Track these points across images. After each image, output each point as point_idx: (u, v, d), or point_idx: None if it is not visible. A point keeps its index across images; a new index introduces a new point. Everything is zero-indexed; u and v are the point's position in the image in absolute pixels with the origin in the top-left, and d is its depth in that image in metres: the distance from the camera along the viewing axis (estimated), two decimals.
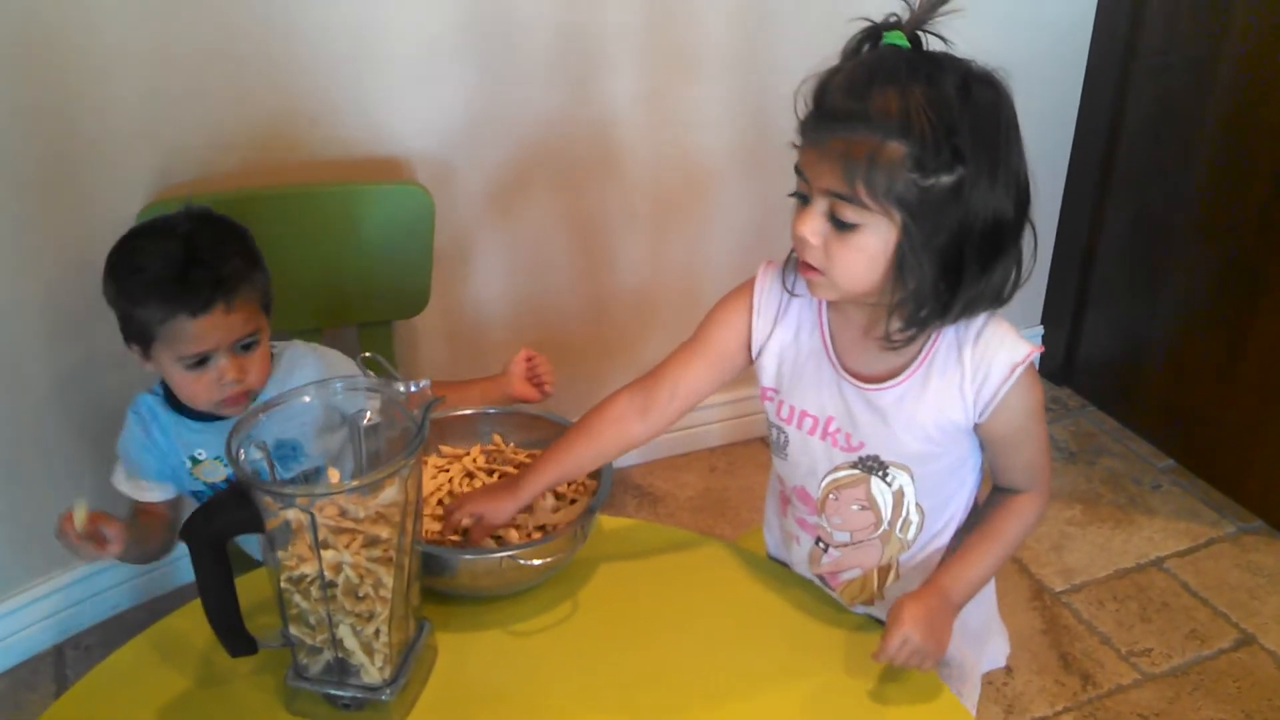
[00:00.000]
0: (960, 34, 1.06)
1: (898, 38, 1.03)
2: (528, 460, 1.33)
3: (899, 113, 1.00)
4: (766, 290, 1.22)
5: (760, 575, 1.29)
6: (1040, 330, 2.81)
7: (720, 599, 1.26)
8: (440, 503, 1.29)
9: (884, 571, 1.26)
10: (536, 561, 1.19)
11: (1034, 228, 1.09)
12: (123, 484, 1.54)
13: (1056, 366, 2.81)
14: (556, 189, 2.18)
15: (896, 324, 1.09)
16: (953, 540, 1.25)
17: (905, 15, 1.04)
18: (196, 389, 1.42)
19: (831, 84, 1.04)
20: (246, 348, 1.42)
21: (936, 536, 1.24)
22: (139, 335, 1.41)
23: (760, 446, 2.59)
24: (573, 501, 1.30)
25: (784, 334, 1.21)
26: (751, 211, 2.35)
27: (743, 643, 1.20)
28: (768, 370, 1.23)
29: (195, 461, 1.49)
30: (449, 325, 2.20)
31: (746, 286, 1.24)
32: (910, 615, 1.09)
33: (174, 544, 1.53)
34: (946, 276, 1.06)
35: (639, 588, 1.27)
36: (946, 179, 1.01)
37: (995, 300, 1.09)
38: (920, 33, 1.04)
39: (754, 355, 1.24)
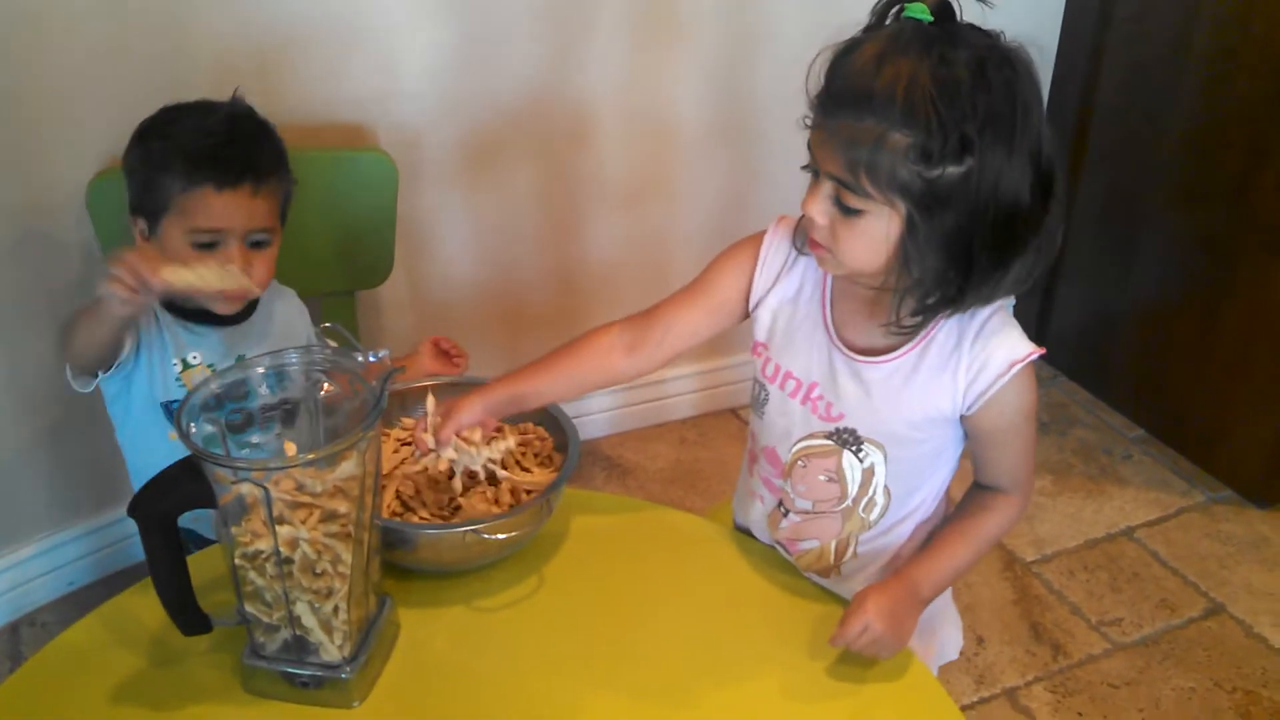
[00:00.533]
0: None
1: (919, 10, 0.98)
2: (494, 433, 1.30)
3: (905, 100, 0.95)
4: (775, 245, 1.20)
5: (731, 550, 1.27)
6: (1012, 301, 2.79)
7: (690, 574, 1.24)
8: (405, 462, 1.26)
9: (842, 547, 1.24)
10: (500, 535, 1.16)
11: (1064, 207, 1.04)
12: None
13: (1029, 337, 2.78)
14: (526, 159, 2.15)
15: (906, 310, 1.07)
16: (917, 530, 1.23)
17: None
18: None
19: (842, 64, 1.01)
20: (257, 245, 1.40)
21: (899, 523, 1.22)
22: (153, 205, 1.38)
23: (731, 418, 2.56)
24: (537, 455, 1.27)
25: (784, 291, 1.19)
26: (723, 184, 2.32)
27: (714, 618, 1.18)
28: (761, 324, 1.21)
29: (187, 366, 1.44)
30: (414, 296, 2.17)
31: (756, 238, 1.22)
32: (874, 604, 1.07)
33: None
34: (956, 265, 1.02)
35: (607, 562, 1.25)
36: (954, 169, 0.97)
37: (1014, 289, 1.06)
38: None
39: (751, 308, 1.22)
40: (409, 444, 1.28)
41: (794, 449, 1.21)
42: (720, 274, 1.23)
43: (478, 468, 1.20)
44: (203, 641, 1.09)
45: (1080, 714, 1.85)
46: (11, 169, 1.74)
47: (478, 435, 1.21)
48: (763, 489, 1.28)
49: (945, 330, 1.10)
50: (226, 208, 1.36)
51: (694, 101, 2.22)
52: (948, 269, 1.02)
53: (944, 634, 1.35)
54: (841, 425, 1.17)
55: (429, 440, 1.19)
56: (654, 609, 1.19)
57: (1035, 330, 2.77)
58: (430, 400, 1.23)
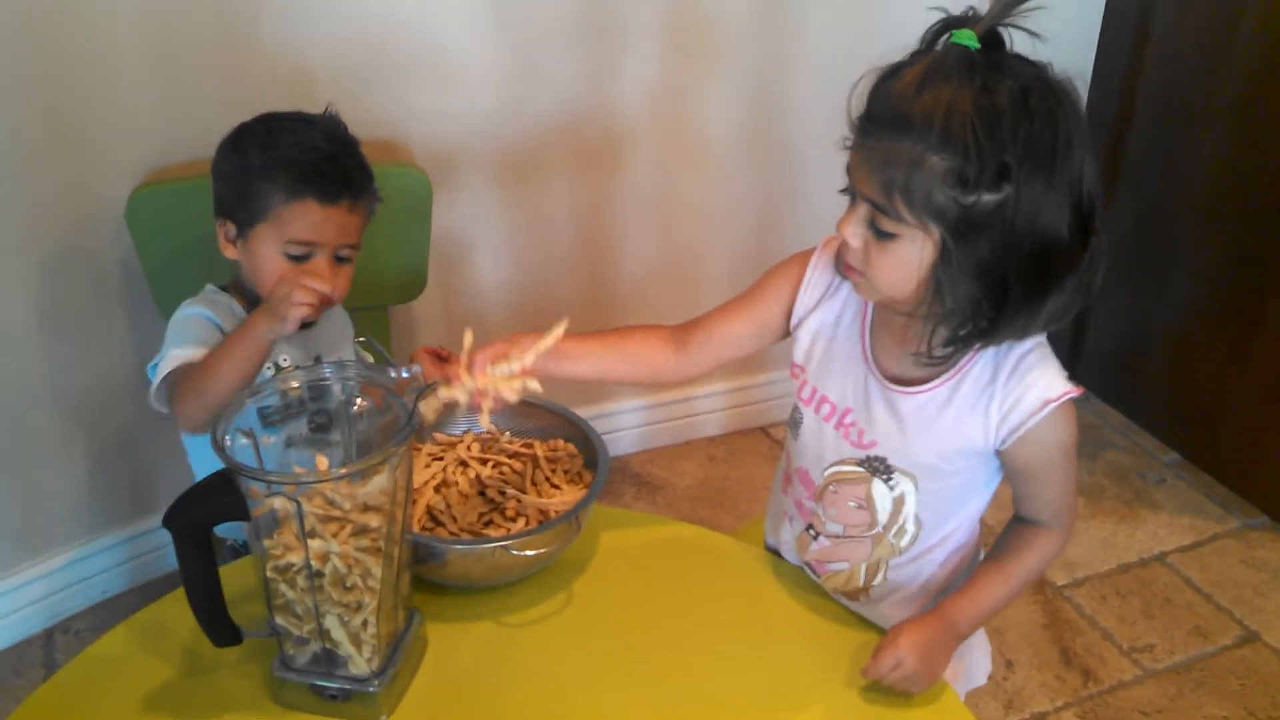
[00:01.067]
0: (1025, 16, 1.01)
1: (967, 37, 0.97)
2: (523, 449, 1.30)
3: (943, 124, 0.95)
4: (821, 267, 1.20)
5: (763, 571, 1.27)
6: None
7: (720, 594, 1.24)
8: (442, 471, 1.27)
9: (871, 571, 1.23)
10: (529, 552, 1.16)
11: (1104, 246, 1.02)
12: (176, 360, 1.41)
13: (1061, 358, 2.75)
14: (560, 174, 2.16)
15: (938, 340, 1.06)
16: (949, 557, 1.22)
17: (985, 6, 0.99)
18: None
19: (884, 86, 1.00)
20: (341, 260, 1.42)
21: (931, 550, 1.21)
22: (248, 212, 1.40)
23: (761, 436, 2.56)
24: (567, 471, 1.28)
25: (826, 314, 1.19)
26: (757, 200, 2.32)
27: (743, 639, 1.17)
28: (801, 345, 1.21)
29: (278, 369, 1.46)
30: (448, 311, 2.18)
31: (804, 256, 1.22)
32: (908, 640, 1.06)
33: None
34: (989, 297, 1.01)
35: (636, 580, 1.25)
36: (990, 197, 0.96)
37: (1049, 324, 1.04)
38: (1003, 28, 0.98)
39: (792, 327, 1.22)
40: (440, 459, 1.29)
41: (826, 473, 1.21)
42: (766, 288, 1.24)
43: (507, 395, 1.14)
44: (233, 653, 1.10)
45: None
46: (52, 183, 1.77)
47: (505, 368, 1.16)
48: (794, 509, 1.28)
49: (981, 364, 1.09)
50: (325, 222, 1.38)
51: (728, 118, 2.23)
52: (981, 300, 1.01)
53: (972, 659, 1.34)
54: (873, 453, 1.16)
55: (463, 375, 1.14)
56: (682, 628, 1.19)
57: (1068, 351, 2.75)
58: (468, 335, 1.19)
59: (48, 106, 1.72)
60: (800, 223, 2.29)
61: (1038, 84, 0.97)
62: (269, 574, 1.02)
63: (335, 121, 1.47)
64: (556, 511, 1.22)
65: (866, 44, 1.05)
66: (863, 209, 1.03)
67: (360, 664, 1.05)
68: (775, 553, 1.34)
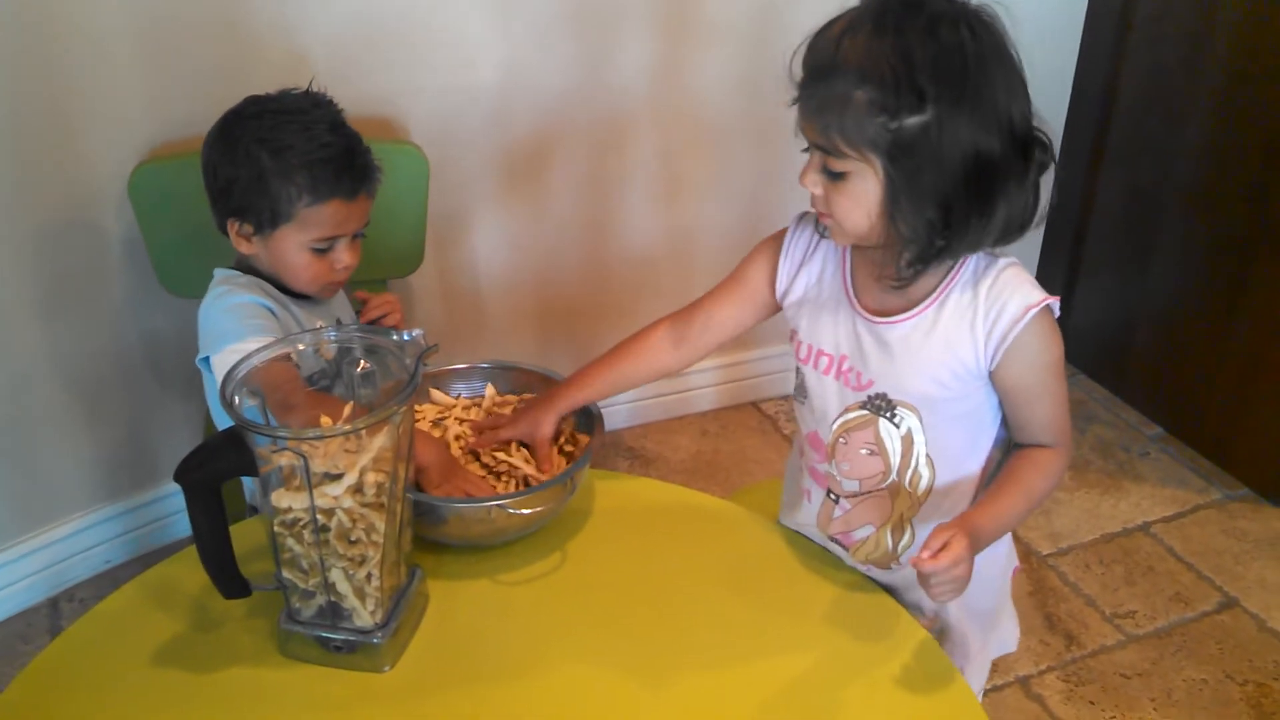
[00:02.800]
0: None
1: None
2: (519, 404, 1.35)
3: (861, 60, 1.03)
4: (797, 236, 1.27)
5: (755, 531, 1.31)
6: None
7: (714, 554, 1.27)
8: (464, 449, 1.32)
9: (898, 531, 1.25)
10: (525, 511, 1.20)
11: (1052, 159, 1.10)
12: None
13: None
14: (557, 153, 2.19)
15: (903, 262, 1.12)
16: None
17: None
18: (315, 271, 1.43)
19: (813, 42, 1.09)
20: (356, 236, 1.46)
21: (947, 498, 1.23)
22: (270, 213, 1.40)
23: (753, 411, 2.60)
24: (569, 453, 1.31)
25: (809, 275, 1.25)
26: (755, 179, 2.35)
27: (736, 599, 1.20)
28: (793, 312, 1.27)
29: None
30: (445, 286, 2.21)
31: (781, 232, 1.29)
32: (963, 542, 1.05)
33: None
34: (940, 215, 1.07)
35: (629, 540, 1.29)
36: (914, 120, 1.03)
37: (1004, 236, 1.10)
38: None
39: (780, 296, 1.28)
40: (441, 421, 1.33)
41: (834, 426, 1.24)
42: (749, 264, 1.31)
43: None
44: (240, 607, 1.14)
45: (1092, 703, 1.88)
46: (54, 158, 1.80)
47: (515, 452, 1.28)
48: (811, 482, 1.31)
49: (960, 285, 1.14)
50: (348, 216, 1.42)
51: (725, 100, 2.26)
52: (932, 220, 1.08)
53: (1004, 627, 1.38)
54: (872, 391, 1.20)
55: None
56: (675, 585, 1.22)
57: None
58: (490, 390, 1.33)
59: (49, 83, 1.75)
60: (797, 200, 2.31)
61: (948, 14, 1.04)
62: (276, 529, 1.05)
63: (330, 107, 1.46)
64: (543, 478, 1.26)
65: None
66: (815, 157, 1.11)
67: (364, 616, 1.09)
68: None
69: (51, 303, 1.88)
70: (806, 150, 1.13)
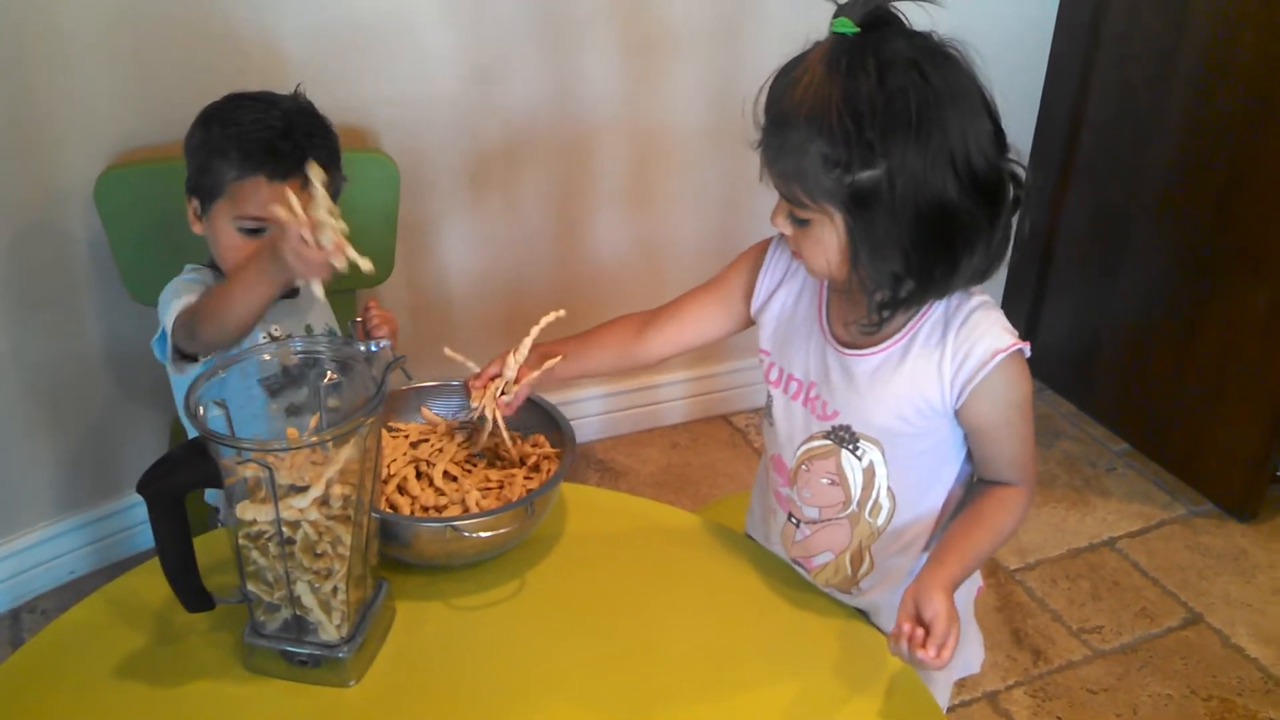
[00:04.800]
0: (922, 23, 1.05)
1: (843, 25, 1.03)
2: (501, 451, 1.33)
3: (812, 113, 1.02)
4: (779, 251, 1.26)
5: (726, 550, 1.30)
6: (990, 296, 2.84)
7: (684, 571, 1.26)
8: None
9: (856, 559, 1.24)
10: (483, 534, 1.18)
11: (1019, 198, 1.07)
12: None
13: None
14: (527, 163, 2.19)
15: (872, 308, 1.11)
16: (933, 544, 1.23)
17: None
18: (241, 255, 1.41)
19: (773, 88, 1.07)
20: None
21: (908, 529, 1.22)
22: (207, 188, 1.42)
23: (722, 424, 2.60)
24: (536, 469, 1.29)
25: (786, 295, 1.25)
26: (721, 189, 2.36)
27: (706, 618, 1.20)
28: (765, 330, 1.26)
29: (272, 338, 1.48)
30: (414, 298, 2.20)
31: (764, 242, 1.28)
32: (945, 600, 1.05)
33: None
34: (903, 265, 1.06)
35: (600, 559, 1.28)
36: (867, 174, 1.02)
37: (972, 281, 1.10)
38: (888, 6, 1.03)
39: (754, 311, 1.27)
40: (423, 443, 1.32)
41: (798, 452, 1.23)
42: (729, 274, 1.31)
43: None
44: (204, 620, 1.13)
45: (1059, 718, 1.89)
46: (21, 161, 1.78)
47: (473, 496, 1.25)
48: (774, 502, 1.30)
49: (931, 322, 1.13)
50: (275, 198, 1.38)
51: (691, 111, 2.26)
52: (896, 269, 1.07)
53: (968, 649, 1.36)
54: (837, 422, 1.19)
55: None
56: (646, 603, 1.21)
57: None
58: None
59: (15, 88, 1.73)
60: (763, 209, 2.33)
61: (903, 58, 1.01)
62: (240, 541, 1.04)
63: (301, 101, 1.49)
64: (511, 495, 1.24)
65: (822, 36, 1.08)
66: (782, 202, 1.10)
67: (330, 630, 1.08)
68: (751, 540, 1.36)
69: (15, 308, 1.86)
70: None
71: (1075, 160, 2.61)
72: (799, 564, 1.28)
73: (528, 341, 1.29)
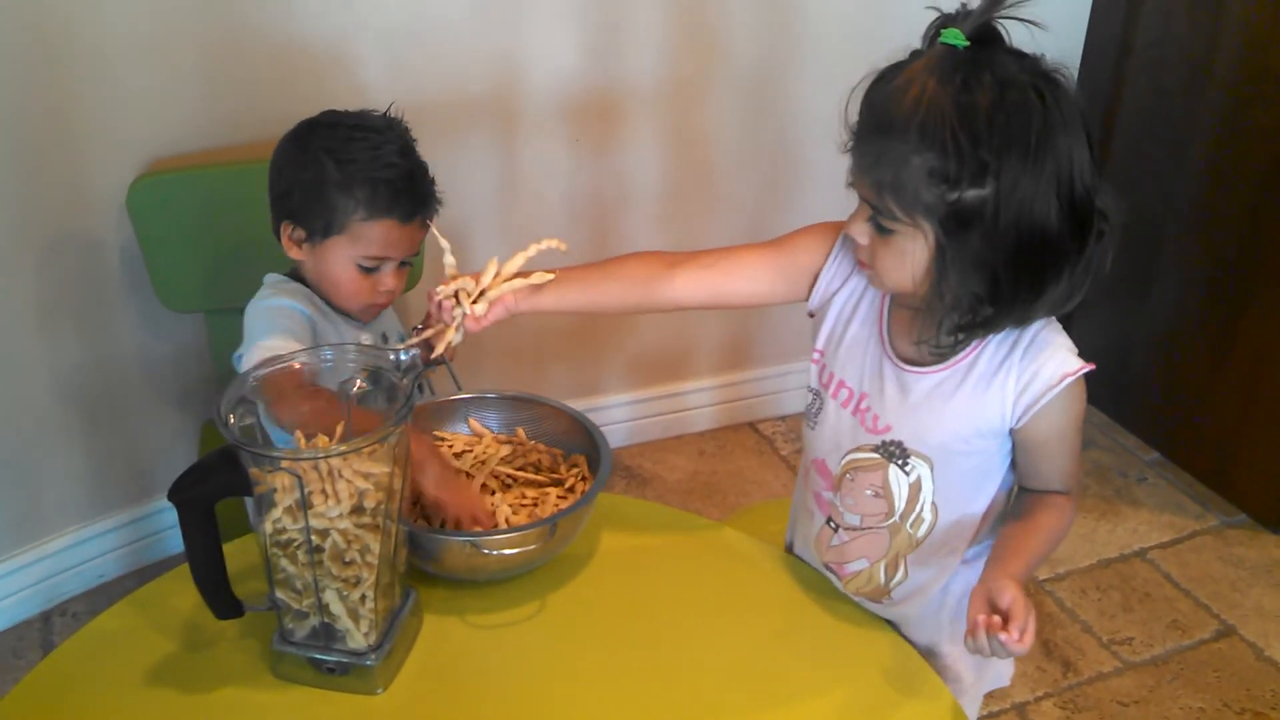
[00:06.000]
0: (1016, 7, 1.03)
1: (954, 36, 1.00)
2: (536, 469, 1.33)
3: (923, 124, 0.98)
4: (846, 250, 1.21)
5: (754, 557, 1.29)
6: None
7: (712, 583, 1.25)
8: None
9: (891, 568, 1.23)
10: (507, 551, 1.18)
11: (1110, 229, 1.05)
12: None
13: None
14: (555, 172, 2.19)
15: (944, 331, 1.09)
16: (973, 558, 1.22)
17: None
18: (358, 288, 1.43)
19: (874, 91, 1.04)
20: (403, 264, 1.46)
21: (947, 542, 1.21)
22: (324, 222, 1.41)
23: (750, 432, 2.59)
24: (571, 490, 1.29)
25: (847, 297, 1.21)
26: (755, 198, 2.35)
27: (735, 629, 1.19)
28: (823, 330, 1.22)
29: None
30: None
31: (835, 226, 1.21)
32: (1019, 590, 1.03)
33: None
34: (987, 289, 1.04)
35: (629, 569, 1.27)
36: (974, 193, 0.99)
37: (1051, 311, 1.08)
38: (998, 22, 1.01)
39: (814, 305, 1.23)
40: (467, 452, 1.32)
41: (843, 461, 1.22)
42: (798, 241, 1.24)
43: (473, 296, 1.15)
44: (233, 627, 1.13)
45: None
46: (54, 168, 1.80)
47: (505, 512, 1.24)
48: (814, 505, 1.29)
49: (996, 342, 1.11)
50: (402, 239, 1.42)
51: (722, 117, 2.26)
52: (978, 292, 1.04)
53: (999, 662, 1.34)
54: (888, 438, 1.17)
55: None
56: (673, 615, 1.21)
57: None
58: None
59: (48, 96, 1.75)
60: (797, 220, 2.33)
61: (1020, 78, 0.99)
62: (270, 549, 1.05)
63: (403, 131, 1.48)
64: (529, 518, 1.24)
65: (867, 46, 1.07)
66: (865, 207, 1.07)
67: (358, 638, 1.08)
68: (791, 554, 1.35)
69: (48, 314, 1.88)
70: (852, 186, 1.09)
71: (1107, 169, 2.59)
72: (830, 569, 1.27)
73: (520, 257, 1.16)
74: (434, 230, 1.21)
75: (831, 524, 1.26)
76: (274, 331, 1.36)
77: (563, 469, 1.31)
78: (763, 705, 1.10)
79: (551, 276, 1.17)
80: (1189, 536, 2.32)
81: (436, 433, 1.35)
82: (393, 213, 1.40)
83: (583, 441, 1.32)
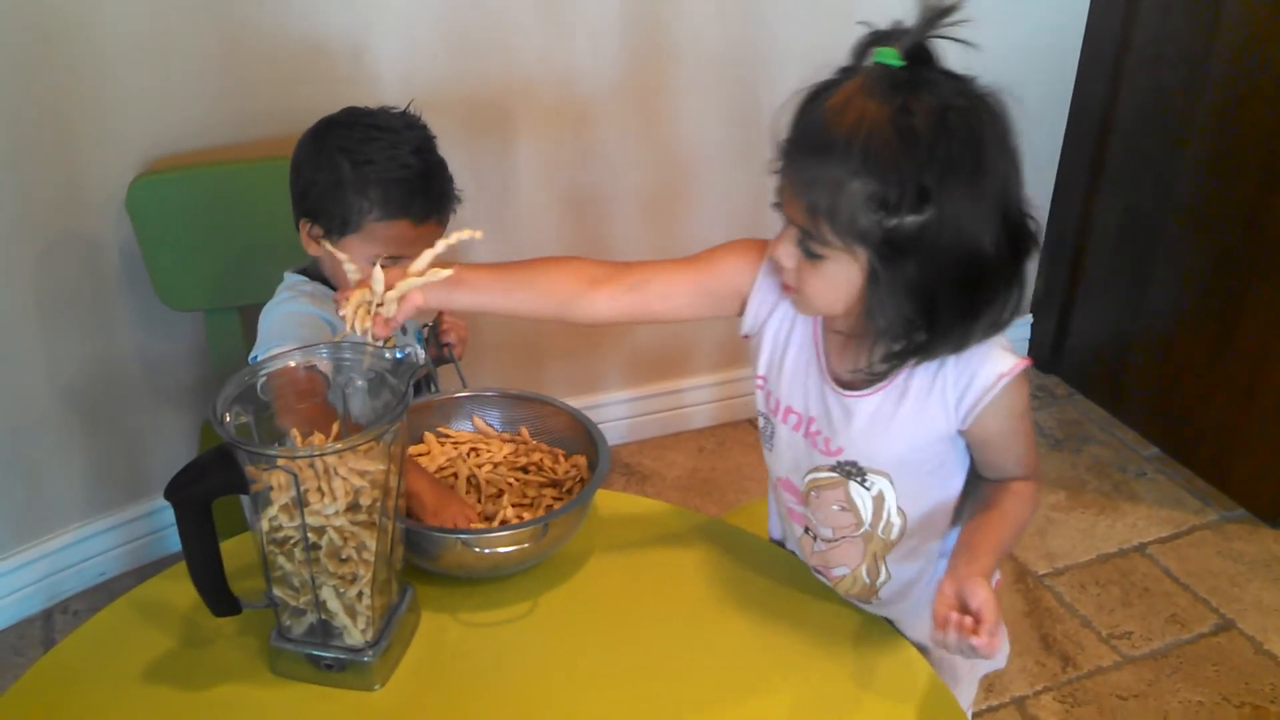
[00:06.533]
0: (953, 28, 1.02)
1: (888, 55, 0.97)
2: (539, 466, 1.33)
3: (863, 148, 0.95)
4: (773, 272, 1.17)
5: (751, 554, 1.29)
6: (1029, 319, 2.83)
7: (709, 579, 1.25)
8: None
9: (873, 571, 1.23)
10: (500, 550, 1.18)
11: (1037, 245, 1.03)
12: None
13: (1045, 355, 2.82)
14: (554, 169, 2.20)
15: (876, 356, 1.08)
16: (947, 547, 1.21)
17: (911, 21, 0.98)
18: None
19: (807, 110, 1.01)
20: None
21: (925, 536, 1.21)
22: (340, 221, 1.42)
23: (749, 428, 2.60)
24: (569, 492, 1.29)
25: (780, 322, 1.18)
26: (741, 200, 2.35)
27: (731, 624, 1.19)
28: (761, 357, 1.20)
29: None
30: None
31: (760, 246, 1.18)
32: (986, 585, 1.01)
33: None
34: (921, 315, 1.02)
35: (628, 565, 1.28)
36: (913, 219, 0.97)
37: (985, 335, 1.06)
38: (928, 42, 0.97)
39: (748, 330, 1.21)
40: (472, 451, 1.33)
41: (805, 479, 1.22)
42: (721, 263, 1.19)
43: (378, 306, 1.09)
44: (231, 624, 1.14)
45: None
46: (53, 168, 1.80)
47: (509, 512, 1.24)
48: (789, 517, 1.29)
49: None
50: (417, 240, 1.41)
51: (707, 120, 2.27)
52: (913, 318, 1.03)
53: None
54: (842, 459, 1.17)
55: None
56: (671, 611, 1.21)
57: (1052, 348, 2.80)
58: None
59: (48, 95, 1.75)
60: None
61: (958, 100, 0.97)
62: (267, 546, 1.05)
63: (421, 130, 1.47)
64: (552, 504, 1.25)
65: (835, 56, 1.05)
66: (793, 231, 1.04)
67: (355, 635, 1.09)
68: (780, 545, 1.36)
69: (48, 313, 1.88)
70: (777, 207, 1.06)
71: (1105, 165, 2.59)
72: (819, 573, 1.27)
73: (427, 255, 1.09)
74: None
75: (809, 533, 1.26)
76: (289, 340, 1.34)
77: (562, 469, 1.32)
78: (759, 701, 1.10)
79: (449, 273, 1.08)
80: (1188, 531, 2.33)
81: (441, 429, 1.36)
82: (407, 213, 1.41)
83: (583, 440, 1.32)
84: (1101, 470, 2.51)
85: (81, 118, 1.79)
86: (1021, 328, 2.83)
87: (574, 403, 1.37)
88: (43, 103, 1.75)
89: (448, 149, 1.49)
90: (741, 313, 1.20)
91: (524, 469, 1.33)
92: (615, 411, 2.50)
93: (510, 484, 1.30)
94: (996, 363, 1.08)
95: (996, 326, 1.05)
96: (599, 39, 2.11)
